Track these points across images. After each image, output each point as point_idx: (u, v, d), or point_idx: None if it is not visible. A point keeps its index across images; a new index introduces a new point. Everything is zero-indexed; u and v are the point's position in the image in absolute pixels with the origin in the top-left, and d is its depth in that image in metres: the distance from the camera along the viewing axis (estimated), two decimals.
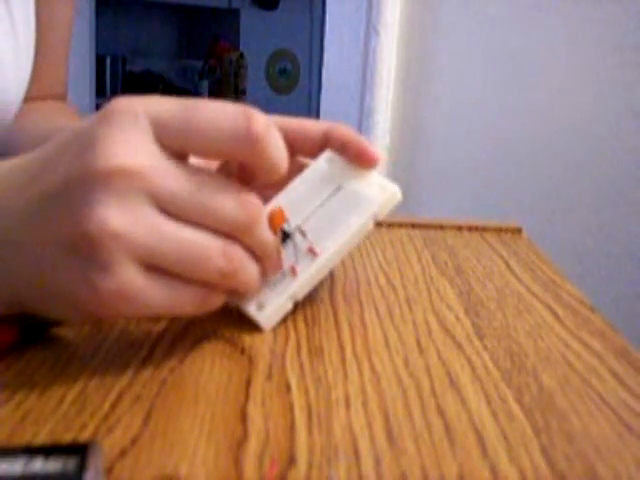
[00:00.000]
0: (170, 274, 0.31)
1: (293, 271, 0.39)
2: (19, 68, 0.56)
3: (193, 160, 0.33)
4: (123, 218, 0.29)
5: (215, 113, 0.31)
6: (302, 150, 0.42)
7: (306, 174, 0.41)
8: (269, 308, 0.38)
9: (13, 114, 0.57)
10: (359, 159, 0.41)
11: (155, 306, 0.31)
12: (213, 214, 0.31)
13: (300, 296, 0.39)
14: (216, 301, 0.33)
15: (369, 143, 0.41)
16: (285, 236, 0.39)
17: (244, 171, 0.36)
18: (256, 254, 0.34)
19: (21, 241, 0.31)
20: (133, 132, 0.29)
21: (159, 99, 0.31)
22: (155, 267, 0.30)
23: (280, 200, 0.40)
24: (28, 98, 0.63)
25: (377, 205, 0.40)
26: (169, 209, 0.30)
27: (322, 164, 0.42)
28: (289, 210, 0.39)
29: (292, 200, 0.40)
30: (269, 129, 0.32)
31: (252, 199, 0.32)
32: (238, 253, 0.32)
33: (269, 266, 0.36)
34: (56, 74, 0.68)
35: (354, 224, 0.39)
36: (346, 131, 0.41)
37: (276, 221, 0.35)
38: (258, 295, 0.38)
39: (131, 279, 0.29)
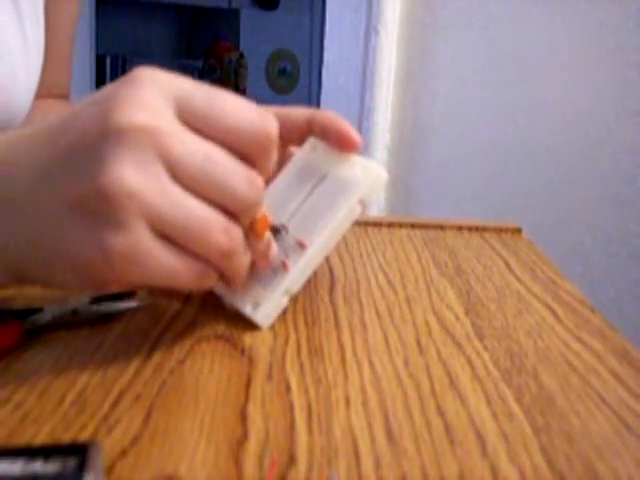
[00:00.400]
0: (174, 243, 0.31)
1: (284, 266, 0.39)
2: (29, 70, 0.56)
3: None
4: (138, 178, 0.29)
5: (237, 105, 0.32)
6: (290, 138, 0.43)
7: (291, 165, 0.42)
8: (265, 306, 0.38)
9: (24, 115, 0.57)
10: (339, 143, 0.40)
11: (157, 272, 0.31)
12: (221, 188, 0.31)
13: (295, 289, 0.39)
14: (210, 280, 0.33)
15: (348, 126, 0.41)
16: (273, 232, 0.39)
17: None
18: (251, 248, 0.35)
19: (28, 201, 0.30)
20: (156, 97, 0.30)
21: (185, 78, 0.32)
22: (161, 233, 0.30)
23: (268, 194, 0.40)
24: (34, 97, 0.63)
25: (362, 188, 0.39)
26: (180, 176, 0.30)
27: (306, 153, 0.42)
28: (276, 206, 0.40)
29: (279, 193, 0.41)
30: (277, 133, 0.33)
31: (258, 180, 0.33)
32: (238, 233, 0.33)
33: (260, 259, 0.36)
34: (60, 73, 0.68)
35: (340, 210, 0.39)
36: (327, 116, 0.41)
37: (260, 227, 0.35)
38: (252, 294, 0.39)
39: (141, 240, 0.29)
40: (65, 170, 0.29)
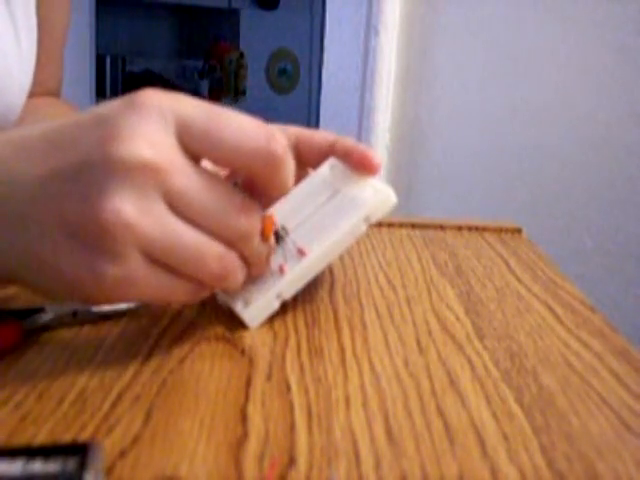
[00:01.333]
0: (168, 268, 0.31)
1: (281, 270, 0.39)
2: (22, 70, 0.56)
3: (203, 162, 0.34)
4: (136, 211, 0.29)
5: (239, 125, 0.31)
6: (309, 161, 0.45)
7: (307, 180, 0.43)
8: (255, 306, 0.38)
9: (17, 115, 0.57)
10: (361, 165, 0.42)
11: (150, 294, 0.31)
12: (218, 219, 0.32)
13: (287, 295, 0.39)
14: (203, 295, 0.34)
15: (371, 150, 0.42)
16: (277, 237, 0.39)
17: (251, 182, 0.37)
18: (248, 261, 0.35)
19: (27, 214, 0.31)
20: (158, 128, 0.30)
21: (187, 99, 0.32)
22: (156, 259, 0.31)
23: (280, 204, 0.41)
24: (40, 92, 0.64)
25: (368, 207, 0.40)
26: (178, 207, 0.31)
27: (324, 170, 0.43)
28: (287, 214, 0.40)
29: (291, 204, 0.41)
30: (286, 151, 0.33)
31: (255, 211, 0.33)
32: (233, 262, 0.33)
33: (257, 270, 0.37)
34: (52, 71, 0.68)
35: (344, 226, 0.40)
36: (350, 142, 0.43)
37: (266, 227, 0.35)
38: (245, 292, 0.39)
39: (135, 269, 0.30)
40: (65, 193, 0.30)
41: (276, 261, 0.39)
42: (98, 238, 0.29)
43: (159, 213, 0.30)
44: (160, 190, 0.30)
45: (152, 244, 0.30)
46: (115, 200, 0.29)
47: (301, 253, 0.39)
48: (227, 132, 0.31)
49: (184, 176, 0.31)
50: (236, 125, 0.31)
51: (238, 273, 0.34)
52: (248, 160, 0.32)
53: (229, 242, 0.33)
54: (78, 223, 0.29)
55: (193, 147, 0.31)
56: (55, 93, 0.71)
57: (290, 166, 0.34)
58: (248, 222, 0.33)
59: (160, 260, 0.31)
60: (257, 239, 0.34)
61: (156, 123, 0.30)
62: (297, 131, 0.45)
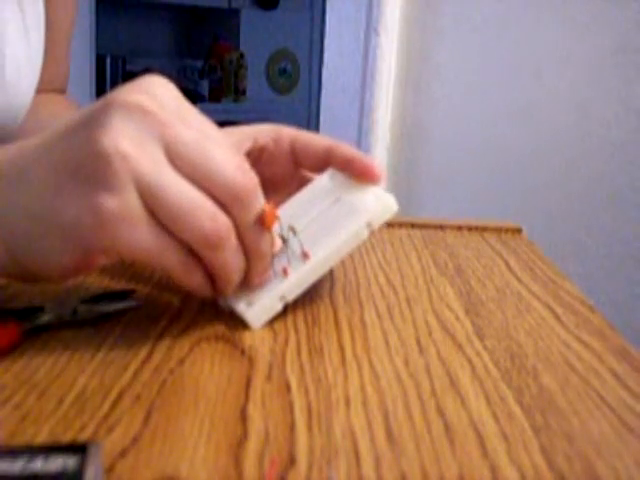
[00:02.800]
0: (160, 222, 0.32)
1: (284, 272, 0.39)
2: (31, 66, 0.56)
3: None
4: (134, 146, 0.31)
5: (223, 154, 0.33)
6: (305, 163, 0.46)
7: (309, 188, 0.44)
8: (258, 306, 0.38)
9: (26, 111, 0.57)
10: (362, 174, 0.42)
11: (141, 245, 0.32)
12: (213, 174, 0.33)
13: (290, 297, 0.39)
14: (196, 276, 0.34)
15: (372, 160, 0.43)
16: (283, 239, 0.39)
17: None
18: (248, 249, 0.35)
19: (27, 168, 0.32)
20: (147, 140, 0.32)
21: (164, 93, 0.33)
22: (150, 207, 0.32)
23: (282, 210, 0.42)
24: (48, 89, 0.64)
25: (370, 214, 0.41)
26: (174, 158, 0.32)
27: (324, 179, 0.44)
28: (289, 219, 0.41)
29: (293, 210, 0.42)
30: (255, 191, 0.34)
31: (251, 173, 0.34)
32: (226, 223, 0.33)
33: (257, 263, 0.36)
34: (58, 68, 0.69)
35: (346, 231, 0.40)
36: (349, 149, 0.44)
37: (268, 218, 0.35)
38: (248, 293, 0.39)
39: (132, 205, 0.31)
40: (69, 141, 0.32)
41: (279, 263, 0.39)
42: (97, 171, 0.30)
43: (156, 156, 0.31)
44: (158, 135, 0.31)
45: (147, 181, 0.31)
46: (115, 133, 0.30)
47: (305, 256, 0.40)
48: (212, 158, 0.33)
49: (182, 127, 0.32)
50: (221, 156, 0.33)
51: (230, 252, 0.34)
52: (223, 190, 0.33)
53: (224, 204, 0.33)
54: (79, 161, 0.31)
55: (178, 163, 0.32)
56: (61, 90, 0.71)
57: (258, 202, 0.34)
58: (244, 181, 0.33)
59: (153, 206, 0.31)
60: (251, 203, 0.34)
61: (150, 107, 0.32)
62: (293, 133, 0.46)
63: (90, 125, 0.31)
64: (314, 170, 0.46)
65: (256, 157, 0.46)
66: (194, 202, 0.32)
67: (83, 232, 0.31)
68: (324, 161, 0.44)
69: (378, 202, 0.41)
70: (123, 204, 0.31)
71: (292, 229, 0.40)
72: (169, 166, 0.32)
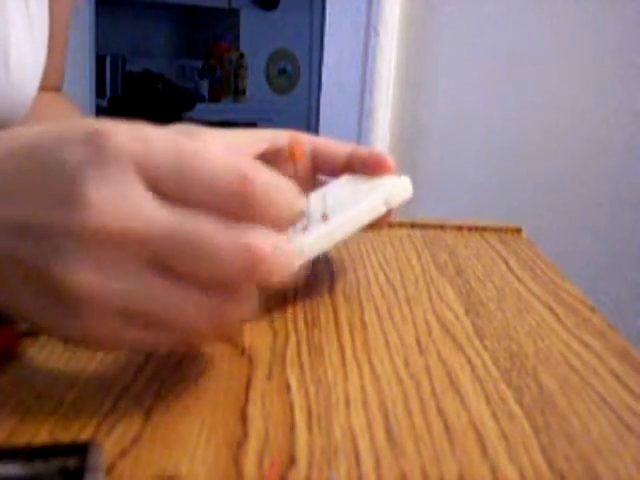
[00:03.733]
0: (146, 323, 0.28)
1: (304, 229, 0.40)
2: (36, 60, 0.56)
3: None
4: (101, 279, 0.26)
5: (211, 167, 0.27)
6: (325, 168, 0.47)
7: (327, 185, 0.46)
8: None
9: (30, 104, 0.57)
10: (377, 167, 0.45)
11: (131, 346, 0.30)
12: (208, 274, 0.27)
13: (309, 253, 0.39)
14: (195, 342, 0.33)
15: (385, 154, 0.45)
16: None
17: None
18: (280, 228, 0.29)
19: None
20: (124, 185, 0.26)
21: (155, 136, 0.28)
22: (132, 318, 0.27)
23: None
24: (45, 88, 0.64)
25: (387, 189, 0.44)
26: (160, 263, 0.27)
27: (342, 179, 0.46)
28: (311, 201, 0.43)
29: (312, 200, 0.43)
30: (267, 187, 0.28)
31: (253, 243, 0.27)
32: (224, 316, 0.28)
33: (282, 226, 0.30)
34: (55, 64, 0.68)
35: (365, 204, 0.42)
36: (366, 150, 0.45)
37: (297, 152, 0.39)
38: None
39: (110, 329, 0.27)
40: (25, 250, 0.27)
41: (299, 225, 0.40)
42: (65, 302, 0.26)
43: (139, 281, 0.27)
44: (136, 256, 0.26)
45: (124, 311, 0.27)
46: (79, 271, 0.26)
47: (324, 218, 0.41)
48: (198, 174, 0.27)
49: (161, 233, 0.26)
50: (208, 167, 0.27)
51: (232, 320, 0.29)
52: (223, 202, 0.27)
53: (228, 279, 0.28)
54: (43, 285, 0.27)
55: (164, 189, 0.27)
56: (57, 87, 0.71)
57: (277, 198, 0.28)
58: (241, 260, 0.27)
59: (137, 318, 0.27)
60: (261, 271, 0.27)
61: (121, 180, 0.26)
62: (313, 138, 0.46)
63: (49, 250, 0.26)
64: (333, 175, 0.47)
65: (272, 159, 0.45)
66: (188, 314, 0.27)
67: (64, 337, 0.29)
68: (345, 165, 0.46)
69: (395, 182, 0.44)
70: (99, 331, 0.27)
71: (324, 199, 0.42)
72: (152, 276, 0.27)
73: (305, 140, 0.46)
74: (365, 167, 0.45)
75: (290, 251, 0.28)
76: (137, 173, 0.27)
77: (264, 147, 0.45)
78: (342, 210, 0.42)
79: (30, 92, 0.56)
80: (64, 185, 0.26)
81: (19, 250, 0.27)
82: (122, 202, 0.26)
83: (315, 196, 0.44)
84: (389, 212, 0.44)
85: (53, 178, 0.27)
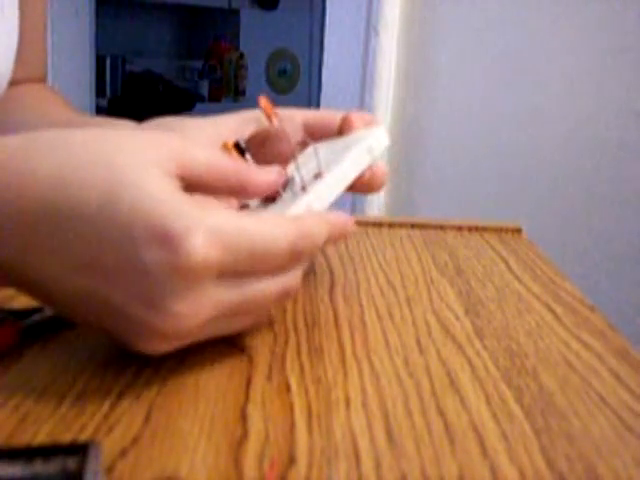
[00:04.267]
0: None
1: (303, 189, 0.40)
2: (7, 33, 0.56)
3: None
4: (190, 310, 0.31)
5: (275, 260, 0.32)
6: (322, 134, 0.48)
7: (311, 148, 0.46)
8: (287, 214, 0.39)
9: (5, 85, 0.57)
10: (349, 124, 0.47)
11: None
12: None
13: (315, 208, 0.40)
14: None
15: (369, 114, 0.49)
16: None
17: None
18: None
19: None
20: (201, 295, 0.30)
21: (226, 239, 0.31)
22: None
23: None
24: (12, 82, 0.63)
25: (368, 140, 0.45)
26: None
27: (315, 146, 0.46)
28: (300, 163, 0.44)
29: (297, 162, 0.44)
30: (313, 251, 0.34)
31: (290, 285, 0.34)
32: (292, 284, 0.34)
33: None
34: (36, 55, 0.68)
35: (350, 153, 0.44)
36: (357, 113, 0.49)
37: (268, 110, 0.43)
38: (274, 207, 0.40)
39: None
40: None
41: (297, 186, 0.41)
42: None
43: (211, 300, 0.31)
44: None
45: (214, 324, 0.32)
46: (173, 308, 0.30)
47: (318, 176, 0.41)
48: (265, 265, 0.32)
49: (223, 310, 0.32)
50: (274, 260, 0.32)
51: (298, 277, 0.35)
52: (277, 265, 0.33)
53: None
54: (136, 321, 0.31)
55: (231, 273, 0.32)
56: (40, 78, 0.70)
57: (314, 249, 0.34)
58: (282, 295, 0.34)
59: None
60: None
61: (199, 291, 0.30)
62: (304, 114, 0.48)
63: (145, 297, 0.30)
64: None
65: (262, 139, 0.46)
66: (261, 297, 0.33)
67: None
68: (340, 131, 0.47)
69: (373, 135, 0.45)
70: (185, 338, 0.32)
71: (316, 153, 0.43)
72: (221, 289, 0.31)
73: (297, 114, 0.48)
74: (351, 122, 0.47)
75: None
76: (215, 278, 0.30)
77: (251, 130, 0.46)
78: (331, 165, 0.42)
79: (4, 71, 0.56)
80: (143, 281, 0.29)
81: (93, 308, 0.31)
82: (198, 306, 0.30)
83: (305, 156, 0.45)
84: (380, 174, 0.45)
85: (128, 266, 0.29)
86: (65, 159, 0.31)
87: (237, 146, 0.44)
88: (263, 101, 0.45)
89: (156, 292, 0.29)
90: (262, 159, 0.45)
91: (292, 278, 0.34)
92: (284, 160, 0.45)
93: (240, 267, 0.31)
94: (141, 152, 0.32)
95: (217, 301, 0.31)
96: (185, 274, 0.29)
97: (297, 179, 0.41)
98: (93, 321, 0.32)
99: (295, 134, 0.47)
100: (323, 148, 0.45)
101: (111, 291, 0.30)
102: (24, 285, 0.33)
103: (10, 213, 0.30)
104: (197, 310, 0.30)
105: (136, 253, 0.29)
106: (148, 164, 0.31)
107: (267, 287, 0.33)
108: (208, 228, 0.30)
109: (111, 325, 0.31)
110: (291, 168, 0.42)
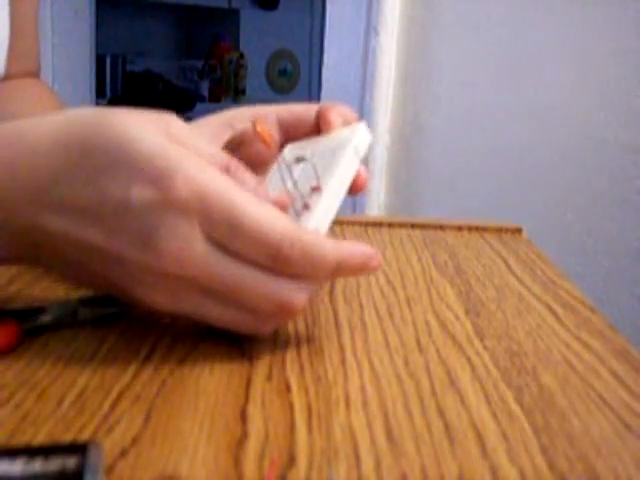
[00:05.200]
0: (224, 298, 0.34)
1: (306, 206, 0.39)
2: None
3: None
4: (172, 299, 0.34)
5: (257, 228, 0.32)
6: (297, 136, 0.45)
7: (276, 165, 0.44)
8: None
9: None
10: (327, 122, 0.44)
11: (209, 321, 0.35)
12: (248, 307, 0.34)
13: (323, 230, 0.38)
14: (272, 325, 0.35)
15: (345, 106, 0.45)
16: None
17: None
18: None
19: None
20: (190, 239, 0.32)
21: (206, 189, 0.32)
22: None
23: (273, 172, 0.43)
24: (5, 77, 0.63)
25: (353, 141, 0.42)
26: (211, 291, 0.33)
27: (289, 148, 0.45)
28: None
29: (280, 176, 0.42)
30: (304, 248, 0.33)
31: (286, 301, 0.33)
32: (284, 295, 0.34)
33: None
34: (28, 46, 0.67)
35: (342, 158, 0.41)
36: (330, 105, 0.45)
37: (266, 136, 0.40)
38: None
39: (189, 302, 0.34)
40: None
41: (298, 204, 0.39)
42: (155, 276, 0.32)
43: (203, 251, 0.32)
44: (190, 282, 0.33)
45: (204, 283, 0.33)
46: (151, 295, 0.33)
47: (316, 189, 0.40)
48: (247, 232, 0.32)
49: (209, 279, 0.32)
50: (256, 227, 0.32)
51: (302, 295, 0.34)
52: (267, 258, 0.33)
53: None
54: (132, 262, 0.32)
55: (219, 239, 0.32)
56: (34, 73, 0.70)
57: (311, 256, 0.33)
58: (277, 304, 0.33)
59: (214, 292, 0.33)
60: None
61: (188, 234, 0.31)
62: (277, 110, 0.46)
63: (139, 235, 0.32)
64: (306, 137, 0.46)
65: (238, 142, 0.45)
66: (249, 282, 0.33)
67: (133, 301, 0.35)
68: (315, 126, 0.45)
69: (355, 132, 0.42)
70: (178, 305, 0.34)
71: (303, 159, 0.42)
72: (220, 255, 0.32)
73: (269, 115, 0.45)
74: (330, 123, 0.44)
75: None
76: (200, 228, 0.32)
77: (228, 134, 0.45)
78: (326, 175, 0.41)
79: None
80: (136, 222, 0.31)
81: (94, 261, 0.33)
82: (189, 254, 0.31)
83: (299, 168, 0.43)
84: (363, 175, 0.42)
85: (122, 211, 0.31)
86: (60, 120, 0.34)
87: None
88: (259, 127, 0.42)
89: (147, 231, 0.31)
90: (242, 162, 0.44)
91: (289, 290, 0.33)
92: (263, 163, 0.44)
93: (223, 236, 0.32)
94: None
95: (205, 258, 0.32)
96: (168, 208, 0.31)
97: (296, 196, 0.40)
98: (95, 279, 0.34)
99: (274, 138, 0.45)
100: (303, 150, 0.44)
101: (108, 240, 0.32)
102: (34, 250, 0.34)
103: (21, 179, 0.33)
104: (188, 250, 0.31)
105: (128, 195, 0.31)
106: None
107: (256, 279, 0.33)
108: (195, 177, 0.31)
109: (111, 278, 0.33)
110: (288, 185, 0.41)
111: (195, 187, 0.31)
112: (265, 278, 0.33)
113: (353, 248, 0.35)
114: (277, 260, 0.32)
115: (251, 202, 0.32)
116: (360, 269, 0.35)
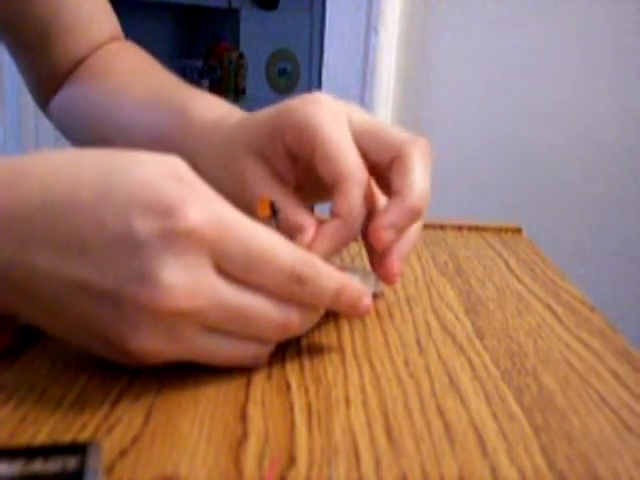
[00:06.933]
0: (225, 333, 0.32)
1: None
2: None
3: None
4: (166, 344, 0.30)
5: (273, 266, 0.31)
6: (377, 158, 0.43)
7: None
8: None
9: None
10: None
11: (206, 360, 0.32)
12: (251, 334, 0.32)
13: None
14: (268, 350, 0.34)
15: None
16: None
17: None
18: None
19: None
20: (198, 272, 0.29)
21: (223, 219, 0.30)
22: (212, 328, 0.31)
23: None
24: (96, 46, 0.63)
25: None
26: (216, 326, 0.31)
27: None
28: None
29: None
30: (315, 282, 0.32)
31: (295, 317, 0.33)
32: (290, 314, 0.33)
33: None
34: (98, 12, 0.67)
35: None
36: (410, 168, 0.44)
37: (261, 208, 0.37)
38: None
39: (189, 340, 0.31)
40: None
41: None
42: (124, 355, 0.30)
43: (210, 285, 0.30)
44: (208, 257, 0.30)
45: (208, 316, 0.30)
46: (143, 339, 0.29)
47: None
48: (263, 269, 0.31)
49: (218, 310, 0.30)
50: (272, 265, 0.31)
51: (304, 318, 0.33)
52: (278, 287, 0.32)
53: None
54: (103, 336, 0.30)
55: (230, 271, 0.31)
56: (116, 36, 0.69)
57: (320, 288, 0.32)
58: (283, 329, 0.33)
59: (216, 328, 0.31)
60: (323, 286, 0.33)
61: (196, 266, 0.29)
62: (363, 126, 0.44)
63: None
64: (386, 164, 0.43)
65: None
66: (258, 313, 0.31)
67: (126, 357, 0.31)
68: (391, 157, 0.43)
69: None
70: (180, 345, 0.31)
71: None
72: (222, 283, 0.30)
73: (359, 129, 0.43)
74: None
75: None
76: (210, 260, 0.30)
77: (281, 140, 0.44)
78: None
79: None
80: (135, 257, 0.29)
81: (82, 304, 0.29)
82: (195, 286, 0.29)
83: None
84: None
85: (121, 243, 0.29)
86: (60, 158, 0.32)
87: (272, 205, 0.39)
88: (264, 203, 0.38)
89: (149, 265, 0.28)
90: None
91: (294, 314, 0.32)
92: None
93: (236, 266, 0.30)
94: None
95: (213, 291, 0.30)
96: (177, 239, 0.28)
97: None
98: (74, 328, 0.31)
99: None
100: None
101: (102, 276, 0.29)
102: (9, 292, 0.30)
103: (7, 207, 0.29)
104: (192, 288, 0.29)
105: (130, 226, 0.28)
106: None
107: (265, 308, 0.31)
108: (207, 206, 0.30)
109: (97, 327, 0.30)
110: None
111: (208, 215, 0.29)
112: (273, 305, 0.32)
113: (351, 280, 0.35)
114: (291, 279, 0.31)
115: (262, 230, 0.31)
116: (357, 298, 0.34)
